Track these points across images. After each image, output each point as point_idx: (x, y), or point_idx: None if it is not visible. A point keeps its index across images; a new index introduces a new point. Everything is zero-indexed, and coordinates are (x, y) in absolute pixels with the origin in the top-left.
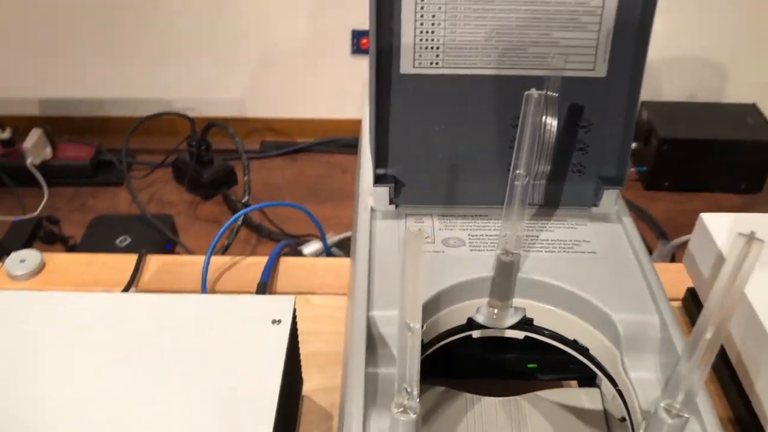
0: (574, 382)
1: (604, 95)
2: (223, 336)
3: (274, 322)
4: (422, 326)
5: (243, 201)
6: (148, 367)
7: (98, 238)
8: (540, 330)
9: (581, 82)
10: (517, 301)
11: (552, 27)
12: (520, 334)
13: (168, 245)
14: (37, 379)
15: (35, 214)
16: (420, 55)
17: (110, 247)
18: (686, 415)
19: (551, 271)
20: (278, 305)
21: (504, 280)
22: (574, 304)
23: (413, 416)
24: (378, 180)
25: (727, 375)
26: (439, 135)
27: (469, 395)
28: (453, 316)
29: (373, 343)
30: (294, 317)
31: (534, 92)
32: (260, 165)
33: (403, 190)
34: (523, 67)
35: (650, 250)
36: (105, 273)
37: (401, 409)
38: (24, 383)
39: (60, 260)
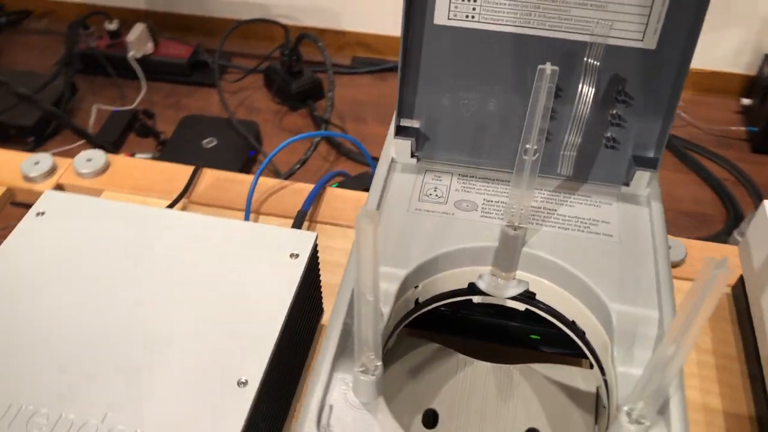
0: (580, 360)
1: (650, 69)
2: (242, 262)
3: (292, 255)
4: (419, 286)
5: (324, 117)
6: (164, 279)
7: (186, 137)
8: (541, 305)
9: (626, 52)
10: (521, 274)
11: None
12: (521, 306)
13: (251, 152)
14: (69, 280)
15: (132, 106)
16: (456, 7)
17: (196, 147)
18: (647, 422)
19: (558, 249)
20: (300, 239)
21: (508, 252)
22: (575, 286)
23: (372, 377)
24: (399, 132)
25: (757, 372)
26: (467, 92)
27: (462, 356)
28: (454, 279)
29: None
30: (313, 253)
31: (548, 67)
32: (349, 81)
33: (427, 144)
34: (564, 29)
35: (740, 220)
36: (162, 181)
37: (363, 368)
38: (55, 284)
39: (123, 163)
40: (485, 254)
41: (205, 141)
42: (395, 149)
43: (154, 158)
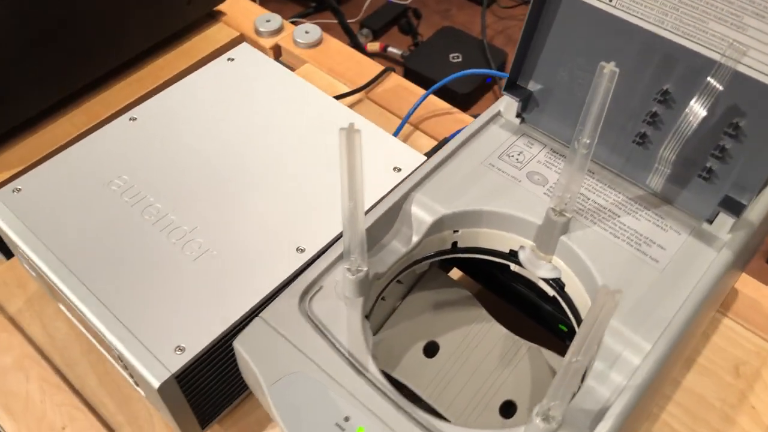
0: None
1: (762, 115)
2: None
3: (395, 168)
4: (458, 231)
5: None
6: (277, 143)
7: (438, 46)
8: (566, 298)
9: (755, 86)
10: (558, 261)
11: (746, 9)
12: (550, 291)
13: (488, 79)
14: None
15: (407, 2)
16: None
17: (441, 58)
18: (554, 424)
19: (594, 252)
20: (410, 157)
21: (547, 234)
22: (592, 291)
23: (353, 277)
24: (509, 87)
25: None
26: (585, 72)
27: (485, 312)
28: (496, 239)
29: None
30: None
31: (609, 66)
32: None
33: (535, 110)
34: (696, 40)
35: None
36: (356, 71)
37: (348, 267)
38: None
39: (332, 44)
40: (530, 228)
41: (452, 55)
42: (504, 103)
43: (402, 56)
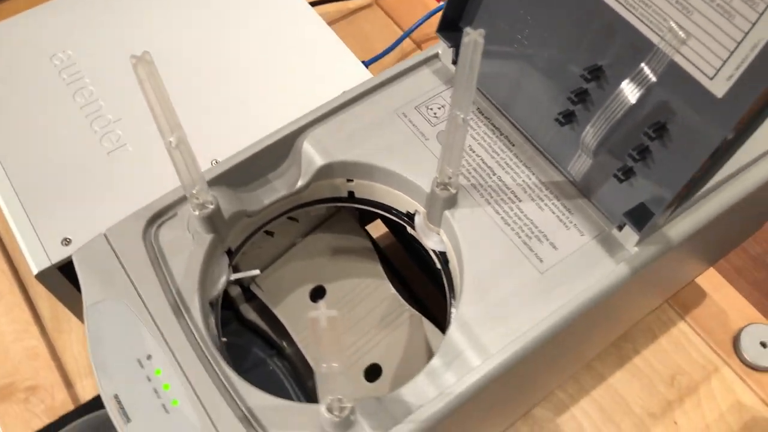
0: None
1: (705, 120)
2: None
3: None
4: (353, 181)
5: None
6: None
7: None
8: (448, 275)
9: (689, 83)
10: (444, 238)
11: None
12: (437, 263)
13: None
14: None
15: None
16: None
17: None
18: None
19: (474, 238)
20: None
21: (432, 204)
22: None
23: (195, 213)
24: (444, 28)
25: None
26: (525, 28)
27: (379, 268)
28: (394, 198)
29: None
30: None
31: (476, 35)
32: None
33: None
34: (639, 15)
35: None
36: None
37: (191, 202)
38: None
39: None
40: (421, 194)
41: None
42: (442, 46)
43: None
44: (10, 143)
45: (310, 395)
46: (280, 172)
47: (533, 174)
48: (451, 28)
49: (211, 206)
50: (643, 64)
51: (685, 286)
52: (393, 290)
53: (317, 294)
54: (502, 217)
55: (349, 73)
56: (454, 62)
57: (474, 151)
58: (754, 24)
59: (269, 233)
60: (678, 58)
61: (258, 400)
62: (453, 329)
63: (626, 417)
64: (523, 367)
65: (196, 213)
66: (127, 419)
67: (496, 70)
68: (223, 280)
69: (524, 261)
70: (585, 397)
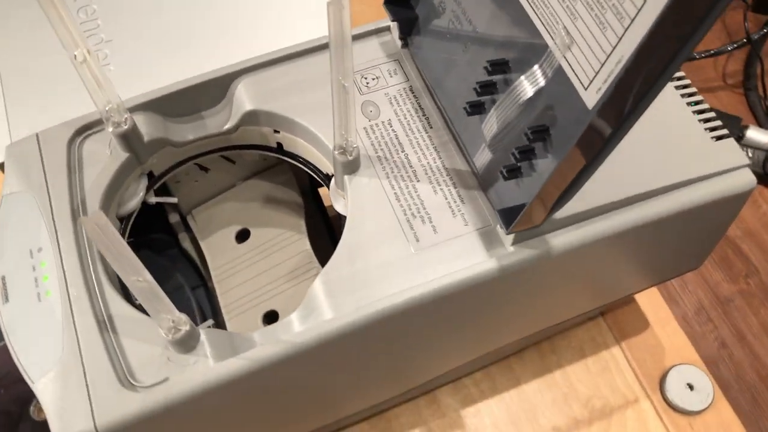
0: None
1: (574, 130)
2: None
3: None
4: (279, 132)
5: None
6: None
7: None
8: None
9: (570, 90)
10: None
11: None
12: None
13: None
14: None
15: None
16: None
17: None
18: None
19: (361, 206)
20: None
21: (335, 169)
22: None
23: (110, 129)
24: (391, 1)
25: None
26: (456, 13)
27: (302, 223)
28: (316, 157)
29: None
30: None
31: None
32: None
33: (417, 38)
34: (540, 15)
35: None
36: None
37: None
38: None
39: None
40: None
41: None
42: (391, 23)
43: None
44: (9, 46)
45: (220, 327)
46: (213, 111)
47: (440, 158)
48: (397, 2)
49: (125, 126)
50: (536, 66)
51: (622, 304)
52: (308, 246)
53: (242, 236)
54: (395, 192)
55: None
56: (401, 37)
57: (391, 126)
58: (620, 38)
59: (204, 168)
60: (564, 64)
61: (120, 310)
62: (316, 285)
63: (529, 425)
64: (378, 333)
65: (110, 130)
66: (6, 299)
67: (431, 50)
68: (137, 199)
69: (401, 237)
70: (495, 396)
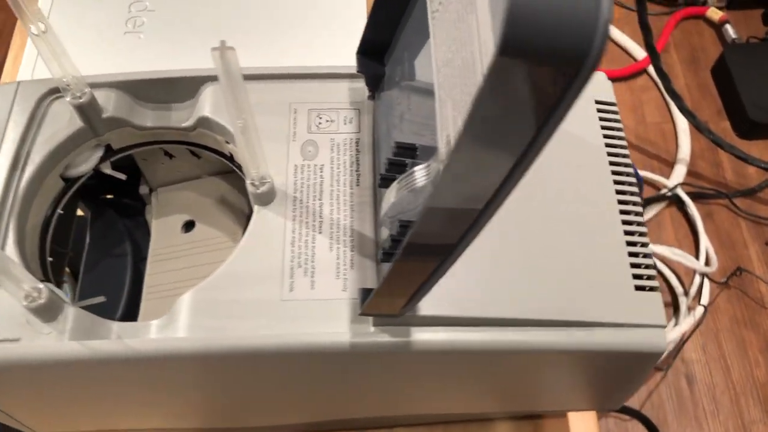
0: None
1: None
2: None
3: None
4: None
5: None
6: None
7: None
8: None
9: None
10: None
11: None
12: None
13: None
14: None
15: None
16: None
17: None
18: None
19: (258, 240)
20: None
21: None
22: None
23: (66, 99)
24: (364, 52)
25: None
26: (405, 80)
27: (240, 234)
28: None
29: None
30: None
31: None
32: None
33: (381, 95)
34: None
35: None
36: None
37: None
38: None
39: None
40: None
41: None
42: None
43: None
44: None
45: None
46: (181, 106)
47: (351, 218)
48: (372, 55)
49: (82, 99)
50: (431, 161)
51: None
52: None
53: (189, 227)
54: (293, 237)
55: None
56: (369, 89)
57: (321, 172)
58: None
59: (169, 155)
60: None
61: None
62: (184, 299)
63: None
64: (220, 366)
65: (67, 99)
66: None
67: (385, 111)
68: (88, 166)
69: (277, 281)
70: None
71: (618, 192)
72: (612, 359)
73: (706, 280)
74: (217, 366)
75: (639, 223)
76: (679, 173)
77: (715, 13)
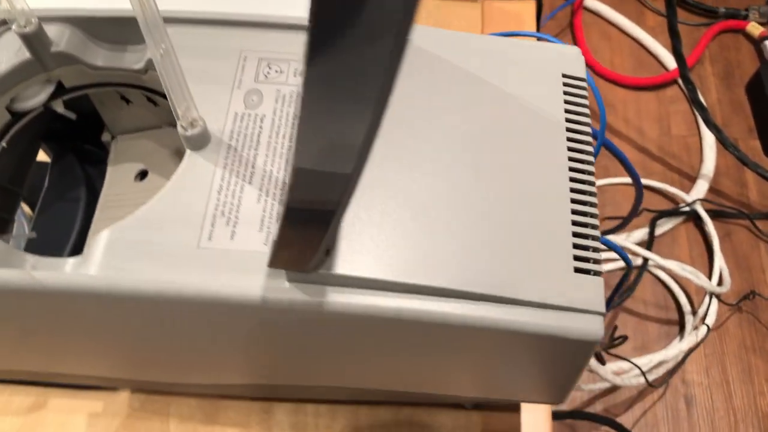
0: None
1: None
2: None
3: None
4: None
5: None
6: None
7: None
8: None
9: None
10: None
11: None
12: None
13: None
14: None
15: None
16: None
17: None
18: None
19: (185, 185)
20: None
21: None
22: None
23: (12, 27)
24: None
25: None
26: None
27: None
28: None
29: None
30: None
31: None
32: None
33: None
34: None
35: None
36: None
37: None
38: None
39: None
40: None
41: None
42: None
43: None
44: None
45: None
46: (136, 48)
47: (285, 172)
48: None
49: (26, 29)
50: None
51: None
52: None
53: (143, 176)
54: (221, 185)
55: None
56: None
57: (262, 122)
58: None
59: (125, 100)
60: None
61: None
62: (101, 237)
63: None
64: (129, 311)
65: (12, 28)
66: None
67: None
68: (36, 100)
69: (197, 228)
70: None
71: (571, 169)
72: (542, 343)
73: (714, 300)
74: (127, 309)
75: (590, 204)
76: (701, 189)
77: (755, 28)
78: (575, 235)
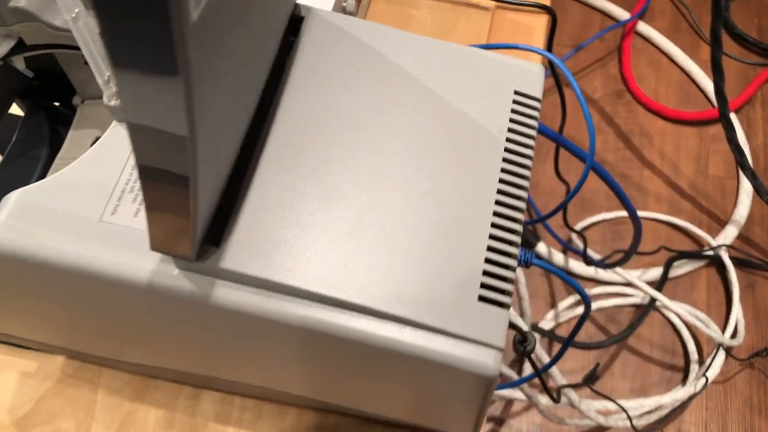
0: None
1: None
2: None
3: None
4: None
5: None
6: None
7: None
8: None
9: None
10: None
11: None
12: None
13: None
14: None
15: None
16: None
17: None
18: None
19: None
20: None
21: None
22: None
23: None
24: None
25: None
26: None
27: None
28: None
29: None
30: None
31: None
32: None
33: None
34: None
35: None
36: None
37: None
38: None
39: None
40: None
41: None
42: None
43: None
44: None
45: None
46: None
47: None
48: None
49: None
50: None
51: None
52: None
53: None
54: None
55: None
56: None
57: None
58: None
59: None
60: None
61: None
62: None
63: None
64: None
65: None
66: None
67: None
68: None
69: (102, 201)
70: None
71: (500, 192)
72: (434, 370)
73: (721, 352)
74: (27, 273)
75: (512, 231)
76: (729, 234)
77: None
78: (487, 261)
